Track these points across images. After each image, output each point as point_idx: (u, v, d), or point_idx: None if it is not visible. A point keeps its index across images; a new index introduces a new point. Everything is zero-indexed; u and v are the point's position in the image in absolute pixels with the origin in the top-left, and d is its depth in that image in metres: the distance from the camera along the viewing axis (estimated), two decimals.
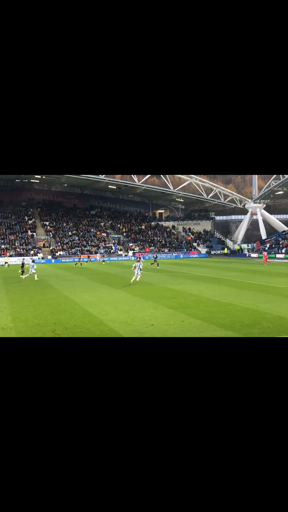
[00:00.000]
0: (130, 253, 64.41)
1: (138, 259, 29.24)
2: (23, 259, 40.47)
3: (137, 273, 25.95)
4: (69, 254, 62.04)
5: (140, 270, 26.18)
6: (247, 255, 63.07)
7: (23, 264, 33.04)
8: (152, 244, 69.12)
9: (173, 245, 70.30)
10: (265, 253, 52.44)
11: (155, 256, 48.21)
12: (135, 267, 26.25)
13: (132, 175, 66.24)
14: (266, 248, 62.13)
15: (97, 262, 55.56)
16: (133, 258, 58.31)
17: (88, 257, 58.54)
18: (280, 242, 62.04)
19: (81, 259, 54.51)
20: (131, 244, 68.64)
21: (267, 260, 45.70)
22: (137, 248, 66.72)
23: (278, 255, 57.43)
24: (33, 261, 33.68)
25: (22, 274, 31.36)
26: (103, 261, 56.56)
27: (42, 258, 59.88)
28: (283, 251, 55.63)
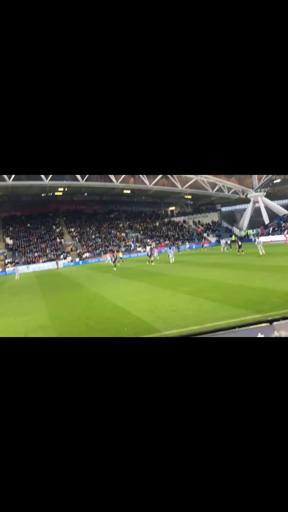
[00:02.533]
0: (148, 248, 64.39)
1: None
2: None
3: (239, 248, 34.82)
4: (94, 255, 62.35)
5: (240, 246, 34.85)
6: (253, 240, 62.18)
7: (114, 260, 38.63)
8: (167, 239, 68.90)
9: (186, 237, 69.94)
10: (285, 233, 51.56)
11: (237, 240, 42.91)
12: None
13: (143, 178, 66.08)
14: (270, 231, 61.20)
15: (107, 262, 47.22)
16: (149, 251, 57.40)
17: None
18: (282, 225, 61.04)
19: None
20: (148, 240, 68.58)
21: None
22: (154, 244, 66.58)
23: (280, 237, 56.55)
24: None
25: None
26: (121, 258, 47.83)
27: (71, 261, 60.32)
28: (285, 232, 54.59)
